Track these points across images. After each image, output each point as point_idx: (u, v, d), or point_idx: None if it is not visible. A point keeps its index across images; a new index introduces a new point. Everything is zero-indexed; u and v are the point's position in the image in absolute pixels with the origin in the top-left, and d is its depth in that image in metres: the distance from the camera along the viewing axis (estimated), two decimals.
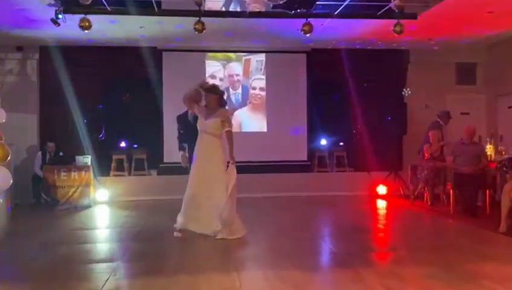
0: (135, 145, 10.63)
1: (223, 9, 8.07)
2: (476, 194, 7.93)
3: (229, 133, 6.21)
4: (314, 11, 7.67)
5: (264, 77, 11.23)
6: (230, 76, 11.17)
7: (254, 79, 11.23)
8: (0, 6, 7.42)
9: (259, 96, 11.23)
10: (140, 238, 6.46)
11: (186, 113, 7.01)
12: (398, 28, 7.82)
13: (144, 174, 10.56)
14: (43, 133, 10.37)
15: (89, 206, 9.23)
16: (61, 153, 9.71)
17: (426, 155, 8.83)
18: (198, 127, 6.26)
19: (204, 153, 6.17)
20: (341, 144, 11.10)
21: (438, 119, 9.38)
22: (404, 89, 10.77)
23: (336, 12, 7.87)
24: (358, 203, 9.51)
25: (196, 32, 7.55)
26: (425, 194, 8.98)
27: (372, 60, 10.76)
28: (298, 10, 7.47)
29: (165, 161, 10.68)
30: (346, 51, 10.57)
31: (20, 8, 7.52)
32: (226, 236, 6.01)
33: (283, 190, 10.32)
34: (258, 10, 7.95)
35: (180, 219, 6.20)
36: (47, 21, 7.47)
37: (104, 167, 10.11)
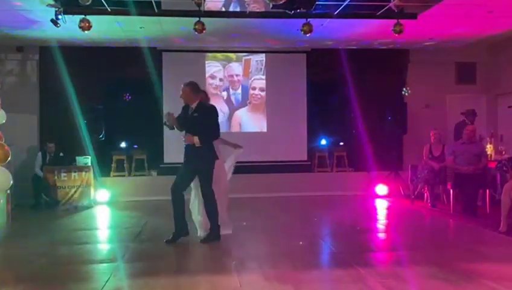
0: (135, 146, 10.64)
1: (223, 9, 8.07)
2: (476, 193, 7.93)
3: None
4: (314, 11, 7.67)
5: (264, 77, 11.23)
6: (230, 76, 11.17)
7: (254, 79, 11.24)
8: (0, 7, 7.42)
9: (259, 96, 11.23)
10: (141, 238, 6.47)
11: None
12: (397, 28, 7.82)
13: (144, 175, 10.57)
14: (43, 134, 10.38)
15: (89, 207, 9.24)
16: (61, 154, 9.71)
17: (424, 156, 8.84)
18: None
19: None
20: (341, 143, 11.11)
21: (464, 118, 9.38)
22: (403, 88, 10.78)
23: (335, 13, 7.87)
24: (358, 203, 9.52)
25: (196, 33, 7.55)
26: (426, 194, 8.98)
27: (372, 60, 10.76)
28: (298, 10, 7.46)
29: (165, 161, 10.69)
30: (346, 51, 10.57)
31: (21, 9, 7.53)
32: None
33: (283, 190, 10.32)
34: (257, 10, 7.96)
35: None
36: (47, 22, 7.47)
37: (104, 167, 10.11)
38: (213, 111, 6.21)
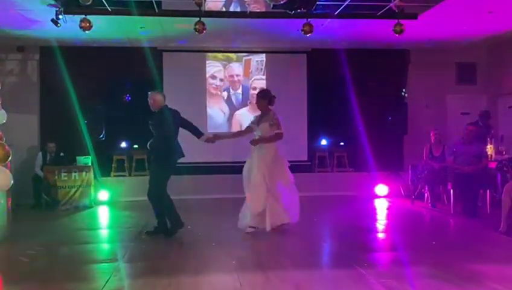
0: (136, 146, 10.63)
1: (223, 9, 8.07)
2: (476, 194, 7.93)
3: (278, 135, 6.59)
4: (314, 12, 7.67)
5: (264, 77, 11.23)
6: (231, 76, 11.17)
7: (254, 79, 11.23)
8: (1, 7, 7.43)
9: None
10: (141, 238, 6.47)
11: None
12: (398, 28, 7.81)
13: (145, 175, 10.52)
14: (44, 134, 10.38)
15: (89, 207, 9.24)
16: (61, 154, 9.72)
17: (425, 157, 8.85)
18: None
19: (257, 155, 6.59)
20: (341, 144, 11.10)
21: (478, 120, 9.36)
22: (403, 89, 10.82)
23: (336, 13, 7.87)
24: (358, 203, 9.51)
25: (196, 33, 7.55)
26: (426, 194, 8.98)
27: (372, 60, 10.75)
28: (298, 10, 7.47)
29: None
30: (346, 51, 10.53)
31: (21, 9, 7.53)
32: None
33: None
34: (258, 10, 7.96)
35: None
36: (47, 22, 7.47)
37: (104, 167, 10.11)
38: (159, 113, 6.53)
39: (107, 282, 4.48)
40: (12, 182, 6.55)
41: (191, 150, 10.67)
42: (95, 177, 9.57)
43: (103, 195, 9.71)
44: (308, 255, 5.59)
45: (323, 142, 11.08)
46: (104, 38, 9.60)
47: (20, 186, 8.60)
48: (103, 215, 8.80)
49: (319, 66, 10.92)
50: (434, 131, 8.99)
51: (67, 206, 9.16)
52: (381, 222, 8.08)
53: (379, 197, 10.15)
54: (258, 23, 8.60)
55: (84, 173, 9.38)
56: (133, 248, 5.93)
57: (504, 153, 8.67)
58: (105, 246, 6.40)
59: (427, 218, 8.18)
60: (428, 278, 4.52)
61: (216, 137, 6.97)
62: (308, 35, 7.87)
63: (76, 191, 9.29)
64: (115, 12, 7.70)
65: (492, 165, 8.16)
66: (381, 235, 6.93)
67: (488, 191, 7.98)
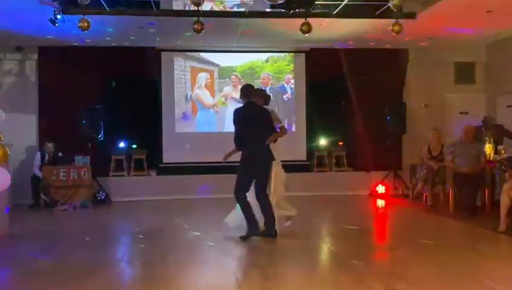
0: (134, 146, 10.62)
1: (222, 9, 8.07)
2: (475, 193, 7.94)
3: None
4: (312, 11, 7.67)
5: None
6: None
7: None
8: (0, 7, 7.42)
9: None
10: (140, 238, 6.46)
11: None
12: (396, 28, 7.80)
13: (143, 175, 10.55)
14: (42, 134, 10.34)
15: (88, 207, 9.23)
16: (60, 154, 9.69)
17: (423, 156, 8.86)
18: None
19: None
20: (340, 143, 11.09)
21: (482, 124, 9.35)
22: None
23: (334, 12, 7.87)
24: (357, 203, 9.52)
25: (195, 33, 7.53)
26: (424, 194, 8.98)
27: (371, 59, 10.73)
28: (297, 10, 7.47)
29: (164, 161, 10.68)
30: (345, 51, 10.57)
31: (19, 9, 7.52)
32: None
33: None
34: (257, 10, 7.95)
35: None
36: (46, 21, 7.46)
37: (103, 167, 10.11)
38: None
39: (106, 282, 4.47)
40: (10, 182, 6.55)
41: (192, 150, 10.76)
42: (93, 177, 9.56)
43: (102, 195, 9.70)
44: (307, 255, 5.59)
45: (322, 141, 11.07)
46: (102, 38, 9.57)
47: (18, 186, 8.59)
48: (102, 215, 8.78)
49: (317, 66, 10.90)
50: (433, 130, 9.00)
51: (66, 206, 9.14)
52: (380, 221, 8.09)
53: (378, 196, 10.15)
54: (257, 23, 8.59)
55: (82, 173, 9.37)
56: (131, 248, 5.93)
57: (503, 152, 8.66)
58: (105, 246, 6.39)
59: (426, 218, 8.18)
60: (428, 277, 4.52)
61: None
62: (306, 34, 7.86)
63: (74, 191, 9.27)
64: (114, 12, 7.69)
65: (491, 164, 8.16)
66: (380, 235, 6.94)
67: (486, 190, 7.99)
